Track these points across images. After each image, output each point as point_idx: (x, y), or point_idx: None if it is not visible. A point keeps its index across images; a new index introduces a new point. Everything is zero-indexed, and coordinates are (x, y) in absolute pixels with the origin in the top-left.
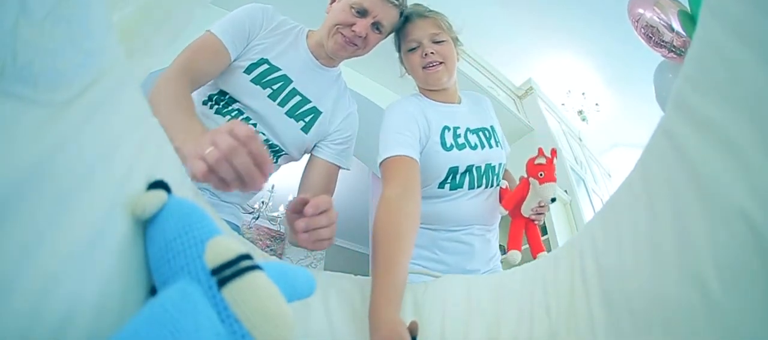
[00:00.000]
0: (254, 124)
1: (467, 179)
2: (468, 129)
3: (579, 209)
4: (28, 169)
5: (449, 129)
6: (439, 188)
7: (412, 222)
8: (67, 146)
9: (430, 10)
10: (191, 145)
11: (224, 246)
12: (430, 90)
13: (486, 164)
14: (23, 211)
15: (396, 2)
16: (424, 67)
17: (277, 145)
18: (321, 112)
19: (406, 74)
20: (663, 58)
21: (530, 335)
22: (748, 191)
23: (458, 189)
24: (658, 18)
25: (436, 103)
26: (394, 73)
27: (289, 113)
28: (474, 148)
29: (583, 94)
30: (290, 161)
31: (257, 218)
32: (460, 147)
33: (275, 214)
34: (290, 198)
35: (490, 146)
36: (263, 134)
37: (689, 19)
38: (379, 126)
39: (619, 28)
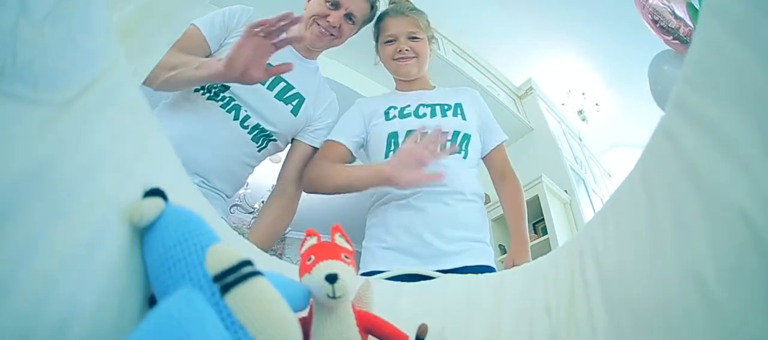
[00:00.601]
0: (247, 116)
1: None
2: (421, 104)
3: (579, 209)
4: (28, 169)
5: (396, 107)
6: (385, 157)
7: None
8: (66, 147)
9: (412, 9)
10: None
11: (225, 253)
12: (402, 80)
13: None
14: (22, 211)
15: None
16: (394, 59)
17: (267, 130)
18: (305, 98)
19: (380, 63)
20: (658, 52)
21: (530, 335)
22: (748, 191)
23: None
24: (663, 4)
25: (403, 92)
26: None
27: (278, 96)
28: (421, 117)
29: (583, 94)
30: (276, 152)
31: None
32: (403, 117)
33: None
34: None
35: (444, 115)
36: (255, 118)
37: (697, 13)
38: None
39: (619, 28)
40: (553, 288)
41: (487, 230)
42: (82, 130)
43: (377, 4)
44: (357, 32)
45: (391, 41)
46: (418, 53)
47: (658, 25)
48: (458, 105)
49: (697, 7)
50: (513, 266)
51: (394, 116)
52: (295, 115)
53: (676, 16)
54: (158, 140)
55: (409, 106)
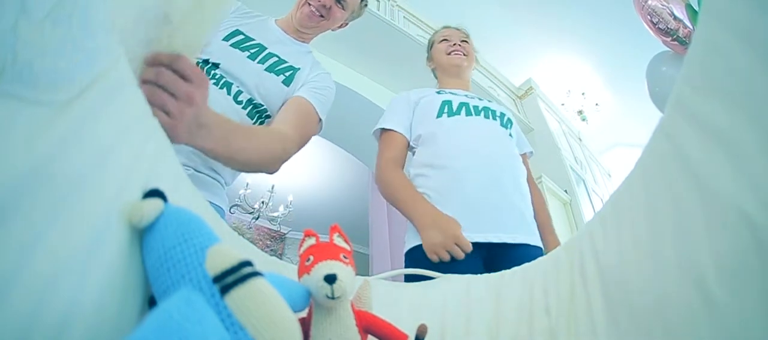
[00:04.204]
0: (239, 91)
1: (464, 109)
2: (468, 94)
3: (579, 209)
4: (28, 169)
5: (444, 90)
6: (437, 117)
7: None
8: (66, 147)
9: (462, 28)
10: None
11: (225, 253)
12: (450, 75)
13: (484, 107)
14: (22, 211)
15: None
16: (448, 53)
17: (261, 105)
18: (298, 68)
19: (431, 65)
20: (656, 54)
21: (530, 335)
22: (748, 191)
23: (456, 115)
24: (662, 5)
25: (448, 88)
26: (395, 75)
27: (269, 69)
28: (469, 97)
29: (583, 94)
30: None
31: (257, 218)
32: (454, 94)
33: (275, 214)
34: (290, 198)
35: (489, 101)
36: (247, 93)
37: (696, 14)
38: None
39: (619, 28)
40: (553, 288)
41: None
42: (83, 131)
43: None
44: (347, 23)
45: (444, 40)
46: (468, 53)
47: (656, 26)
48: (498, 101)
49: (696, 8)
50: None
51: (444, 93)
52: (288, 85)
53: (675, 18)
54: (158, 140)
55: (457, 91)
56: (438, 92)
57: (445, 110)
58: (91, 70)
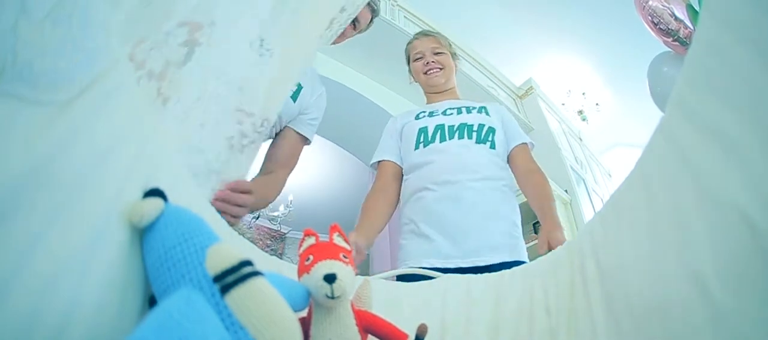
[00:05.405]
0: None
1: (438, 134)
2: (449, 107)
3: (579, 209)
4: (28, 169)
5: (425, 112)
6: (415, 149)
7: (382, 206)
8: (67, 147)
9: (434, 31)
10: None
11: (225, 253)
12: (432, 92)
13: (460, 123)
14: (22, 211)
15: (373, 6)
16: (424, 73)
17: None
18: (302, 87)
19: (413, 81)
20: (658, 53)
21: (530, 335)
22: (748, 191)
23: (431, 144)
24: (662, 6)
25: (433, 103)
26: (395, 74)
27: None
28: (446, 115)
29: (583, 94)
30: (267, 139)
31: (257, 218)
32: (431, 115)
33: (275, 214)
34: (290, 198)
35: (469, 112)
36: None
37: (697, 15)
38: (381, 127)
39: (619, 28)
40: (553, 288)
41: (519, 221)
42: (83, 131)
43: (378, 8)
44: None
45: (419, 58)
46: (444, 65)
47: (657, 26)
48: (483, 107)
49: (697, 8)
50: (548, 247)
51: (424, 116)
52: (294, 101)
53: (676, 18)
54: (158, 140)
55: (437, 109)
56: (417, 117)
57: (421, 140)
58: (91, 70)
